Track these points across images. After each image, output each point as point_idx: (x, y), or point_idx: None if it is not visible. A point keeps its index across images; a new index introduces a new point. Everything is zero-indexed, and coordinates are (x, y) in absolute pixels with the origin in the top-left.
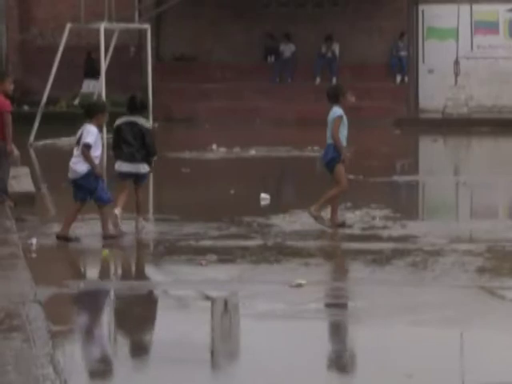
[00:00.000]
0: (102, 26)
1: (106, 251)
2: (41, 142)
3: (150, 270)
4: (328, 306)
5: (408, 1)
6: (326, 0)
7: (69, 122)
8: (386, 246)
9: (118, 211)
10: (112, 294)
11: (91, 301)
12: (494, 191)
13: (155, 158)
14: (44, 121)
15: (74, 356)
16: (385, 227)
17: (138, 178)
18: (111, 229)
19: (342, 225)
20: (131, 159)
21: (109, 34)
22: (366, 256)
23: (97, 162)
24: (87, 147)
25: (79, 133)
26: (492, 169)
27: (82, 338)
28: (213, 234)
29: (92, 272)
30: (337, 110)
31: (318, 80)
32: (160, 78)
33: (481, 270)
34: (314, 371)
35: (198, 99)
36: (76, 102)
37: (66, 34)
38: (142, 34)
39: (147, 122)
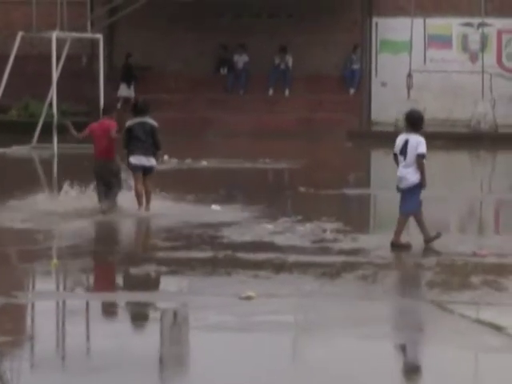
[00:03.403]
0: (54, 35)
1: (54, 261)
2: None
3: (102, 280)
4: (277, 318)
5: (362, 13)
6: (282, 11)
7: (19, 131)
8: (337, 259)
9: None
10: (60, 304)
11: (39, 312)
12: (445, 205)
13: (160, 152)
14: None
15: (20, 367)
16: (335, 240)
17: (147, 170)
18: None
19: None
20: (145, 153)
21: (61, 43)
22: (316, 269)
23: None
24: (422, 157)
25: (401, 142)
26: (444, 183)
27: (28, 348)
28: (163, 245)
29: (41, 282)
30: None
31: (271, 91)
32: (112, 88)
33: (430, 284)
34: None
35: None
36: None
37: (18, 42)
38: (94, 43)
39: (154, 121)
